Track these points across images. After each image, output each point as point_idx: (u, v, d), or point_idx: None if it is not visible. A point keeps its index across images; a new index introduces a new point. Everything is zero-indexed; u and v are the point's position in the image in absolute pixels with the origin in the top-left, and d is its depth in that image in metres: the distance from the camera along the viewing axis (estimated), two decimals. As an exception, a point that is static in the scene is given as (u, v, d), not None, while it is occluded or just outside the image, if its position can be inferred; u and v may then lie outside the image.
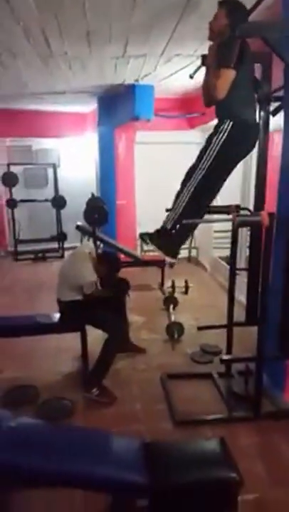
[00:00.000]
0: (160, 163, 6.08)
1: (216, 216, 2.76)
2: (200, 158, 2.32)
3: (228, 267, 3.28)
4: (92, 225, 4.36)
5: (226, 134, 2.24)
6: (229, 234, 2.98)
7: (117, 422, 2.58)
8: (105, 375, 2.88)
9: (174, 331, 3.77)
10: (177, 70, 4.23)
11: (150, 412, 2.69)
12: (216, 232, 6.16)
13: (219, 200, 3.09)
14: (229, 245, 2.99)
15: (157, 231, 2.53)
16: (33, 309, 4.18)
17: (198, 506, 1.49)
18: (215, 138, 2.24)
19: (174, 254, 2.59)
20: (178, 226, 2.43)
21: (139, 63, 4.02)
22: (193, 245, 6.86)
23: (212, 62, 2.16)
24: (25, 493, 1.74)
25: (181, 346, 3.70)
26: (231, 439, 2.43)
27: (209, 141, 2.29)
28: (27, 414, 2.59)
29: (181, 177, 2.43)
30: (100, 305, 3.01)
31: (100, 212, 4.32)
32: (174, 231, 2.45)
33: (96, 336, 3.10)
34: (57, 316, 3.13)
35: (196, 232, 6.70)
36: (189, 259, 6.91)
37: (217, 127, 2.28)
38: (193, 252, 6.91)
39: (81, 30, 3.07)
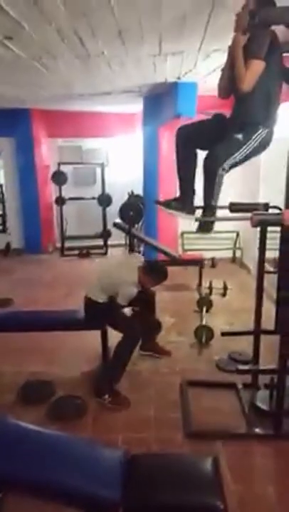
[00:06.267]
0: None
1: (236, 215, 2.60)
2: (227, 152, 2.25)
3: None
4: (127, 223, 4.36)
5: (258, 142, 2.22)
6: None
7: (126, 427, 2.54)
8: (118, 379, 2.84)
9: (203, 334, 3.64)
10: (219, 66, 4.04)
11: (163, 420, 2.61)
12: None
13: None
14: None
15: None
16: (67, 305, 4.28)
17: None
18: (248, 144, 2.19)
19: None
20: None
21: (178, 60, 3.92)
22: (237, 245, 6.60)
23: (236, 53, 2.05)
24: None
25: (208, 351, 3.56)
26: (245, 458, 2.33)
27: (242, 141, 2.22)
28: (38, 410, 2.67)
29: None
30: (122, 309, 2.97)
31: (135, 210, 4.30)
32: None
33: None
34: (81, 313, 3.16)
35: (241, 231, 6.45)
36: (234, 259, 6.66)
37: (244, 128, 2.18)
38: (239, 253, 6.65)
39: (112, 30, 3.04)
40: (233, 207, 2.61)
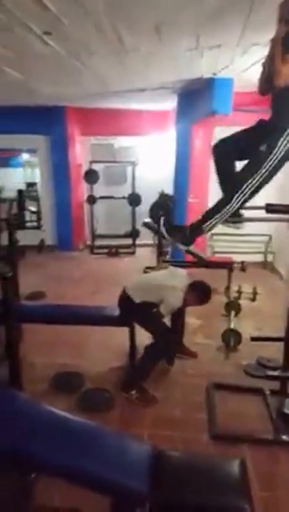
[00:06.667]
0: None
1: (274, 216, 2.50)
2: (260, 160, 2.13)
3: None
4: (156, 223, 4.33)
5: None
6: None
7: (153, 424, 2.52)
8: (146, 378, 2.83)
9: (230, 338, 3.55)
10: (257, 61, 3.95)
11: (188, 420, 2.57)
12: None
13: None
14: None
15: None
16: (94, 302, 4.30)
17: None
18: (274, 152, 2.07)
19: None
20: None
21: (214, 55, 3.85)
22: (269, 249, 6.41)
23: (276, 47, 1.97)
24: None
25: (236, 356, 3.47)
26: (271, 464, 2.24)
27: (266, 152, 2.10)
28: (69, 400, 2.70)
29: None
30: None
31: (165, 209, 4.26)
32: None
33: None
34: (111, 309, 3.15)
35: (274, 234, 6.26)
36: (265, 264, 6.47)
37: (268, 136, 2.08)
38: (270, 257, 6.46)
39: (150, 24, 3.03)
40: (270, 208, 2.50)
